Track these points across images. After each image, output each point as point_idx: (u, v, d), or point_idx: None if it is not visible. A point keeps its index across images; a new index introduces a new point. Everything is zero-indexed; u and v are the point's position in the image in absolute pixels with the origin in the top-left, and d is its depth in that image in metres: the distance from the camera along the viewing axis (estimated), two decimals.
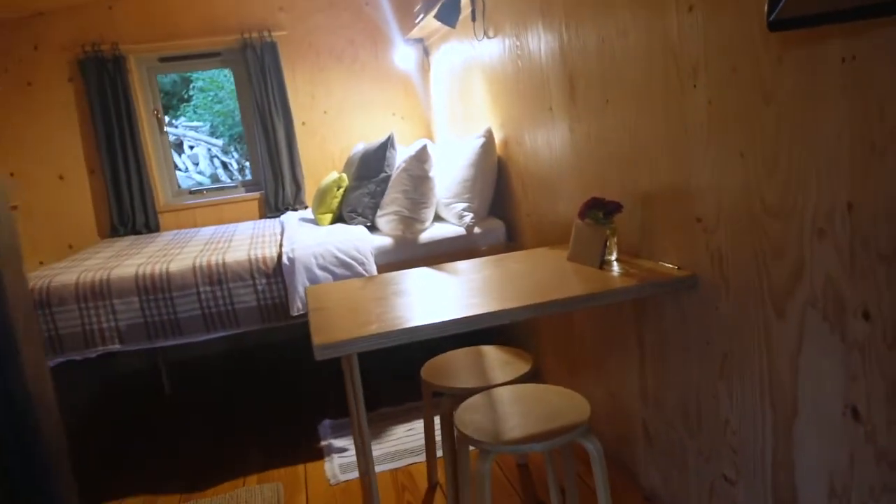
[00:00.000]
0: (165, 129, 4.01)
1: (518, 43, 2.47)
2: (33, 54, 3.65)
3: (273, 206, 4.00)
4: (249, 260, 2.60)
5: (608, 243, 1.75)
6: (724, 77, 1.34)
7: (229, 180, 8.15)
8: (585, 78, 1.97)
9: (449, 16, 2.81)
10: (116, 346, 2.46)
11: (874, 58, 0.99)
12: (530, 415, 1.62)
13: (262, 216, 4.07)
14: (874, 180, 1.03)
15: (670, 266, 1.64)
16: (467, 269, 1.92)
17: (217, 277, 2.54)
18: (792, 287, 1.24)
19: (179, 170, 8.63)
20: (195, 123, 9.13)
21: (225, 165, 8.89)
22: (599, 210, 1.76)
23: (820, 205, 1.14)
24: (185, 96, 9.21)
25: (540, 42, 2.26)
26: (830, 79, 1.08)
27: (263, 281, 2.58)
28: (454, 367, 2.01)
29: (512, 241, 2.85)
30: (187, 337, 2.52)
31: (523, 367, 1.94)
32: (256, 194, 4.08)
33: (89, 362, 2.60)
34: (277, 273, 2.60)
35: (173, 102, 9.30)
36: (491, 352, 2.09)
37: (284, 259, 2.59)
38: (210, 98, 9.12)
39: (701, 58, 1.41)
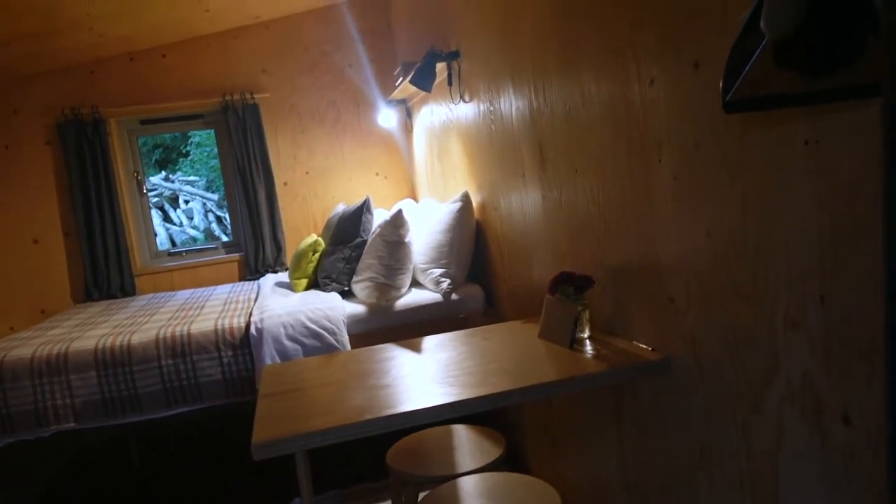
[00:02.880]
0: (145, 190, 3.96)
1: (492, 107, 2.43)
2: (12, 119, 3.64)
3: (253, 269, 3.92)
4: (216, 330, 2.49)
5: (579, 320, 1.65)
6: (688, 153, 1.27)
7: (224, 235, 8.11)
8: (554, 146, 1.91)
9: (424, 81, 2.79)
10: (71, 425, 2.33)
11: (838, 143, 0.92)
12: None
13: (242, 278, 3.98)
14: (846, 272, 0.94)
15: (644, 347, 1.54)
16: (436, 346, 1.82)
17: (181, 350, 2.43)
18: (768, 380, 1.14)
19: (174, 224, 8.60)
20: (191, 178, 9.16)
21: (219, 220, 8.86)
22: (570, 285, 1.67)
23: (792, 293, 1.05)
24: (184, 150, 9.29)
25: (511, 107, 2.22)
26: (794, 161, 1.01)
27: (230, 353, 2.47)
28: (422, 449, 1.88)
29: (491, 307, 2.75)
30: (147, 413, 2.39)
31: (494, 452, 1.81)
32: (236, 256, 4.01)
33: (57, 436, 2.45)
34: (245, 344, 2.49)
35: (172, 157, 9.37)
36: (462, 432, 1.96)
37: (252, 329, 2.48)
38: (206, 153, 9.18)
39: (664, 132, 1.34)
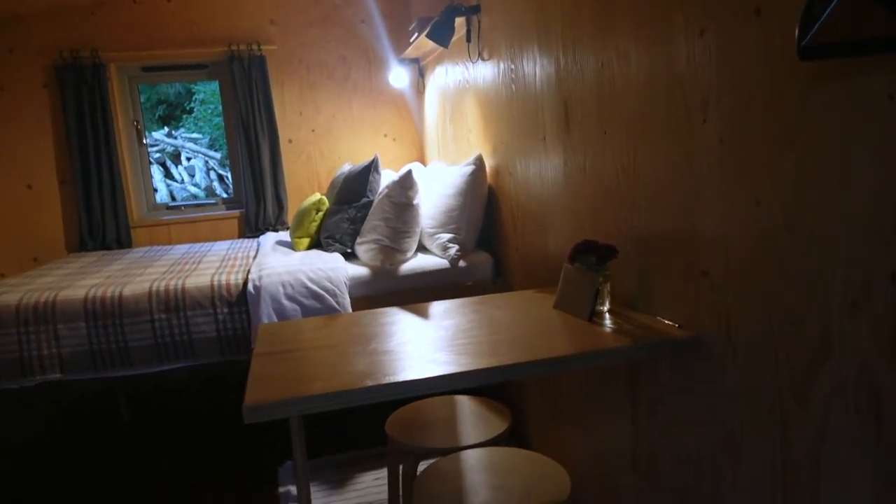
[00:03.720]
0: (145, 141, 3.83)
1: (513, 66, 2.29)
2: (7, 58, 3.48)
3: (253, 226, 3.81)
4: (212, 286, 2.39)
5: (600, 292, 1.54)
6: (740, 112, 1.15)
7: (225, 194, 7.97)
8: (581, 106, 1.78)
9: (442, 36, 2.64)
10: (57, 376, 2.24)
11: None
12: (501, 489, 1.40)
13: (241, 236, 3.87)
14: None
15: (669, 323, 1.43)
16: (444, 313, 1.71)
17: (174, 304, 2.33)
18: (815, 368, 1.03)
19: (175, 181, 8.47)
20: (194, 135, 9.01)
21: (221, 178, 8.73)
22: (592, 254, 1.56)
23: (854, 272, 0.94)
24: (188, 108, 9.13)
25: (535, 66, 2.08)
26: (872, 121, 0.88)
27: (225, 310, 2.37)
28: (423, 419, 1.79)
29: (499, 277, 2.64)
30: (137, 368, 2.30)
31: (499, 426, 1.72)
32: (236, 212, 3.89)
33: (44, 386, 2.36)
34: (241, 302, 2.39)
35: (176, 113, 9.21)
36: (466, 403, 1.87)
37: (250, 287, 2.38)
38: (210, 111, 9.01)
39: (713, 89, 1.21)
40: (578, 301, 1.57)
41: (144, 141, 3.82)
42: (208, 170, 8.79)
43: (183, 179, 8.68)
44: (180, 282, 2.41)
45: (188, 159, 8.82)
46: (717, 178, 1.23)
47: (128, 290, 2.34)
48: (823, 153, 0.97)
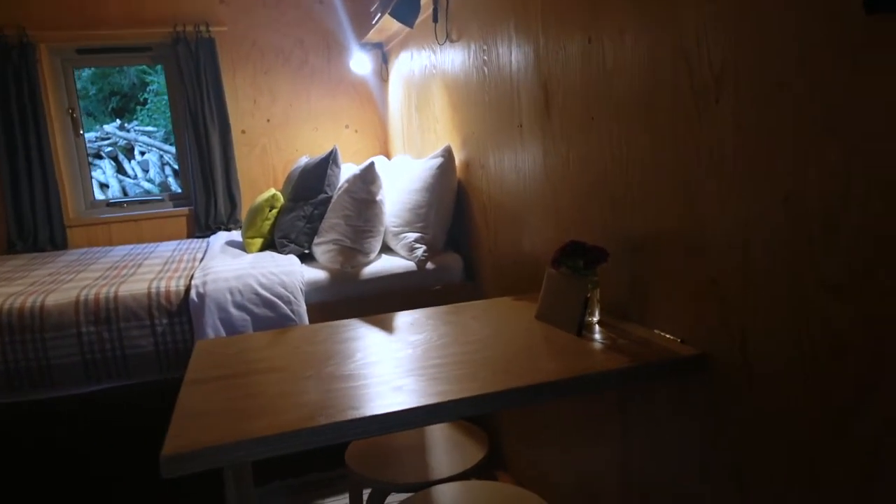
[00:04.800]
0: (82, 131, 3.50)
1: (485, 47, 2.07)
2: None
3: (203, 225, 3.52)
4: (149, 294, 2.12)
5: (589, 301, 1.35)
6: (764, 93, 0.96)
7: (181, 189, 7.56)
8: (564, 88, 1.58)
9: (406, 14, 2.41)
10: None
11: None
12: None
13: (190, 235, 3.58)
14: None
15: (670, 337, 1.25)
16: (412, 325, 1.50)
17: (104, 315, 2.06)
18: (859, 400, 0.85)
19: (128, 176, 8.04)
20: (149, 128, 8.59)
21: (177, 173, 8.32)
22: (579, 258, 1.36)
23: None
24: (142, 99, 8.71)
25: (510, 46, 1.87)
26: None
27: (164, 321, 2.11)
28: (389, 447, 1.57)
29: (471, 280, 2.44)
30: (61, 389, 2.03)
31: (475, 454, 1.52)
32: (185, 210, 3.59)
33: None
34: (183, 311, 2.13)
35: (130, 105, 8.78)
36: (437, 427, 1.66)
37: (192, 294, 2.12)
38: (165, 103, 8.58)
39: (728, 66, 1.02)
40: (565, 311, 1.37)
41: (81, 131, 3.49)
42: (163, 165, 8.37)
43: (136, 175, 8.25)
44: (113, 289, 2.13)
45: (142, 153, 8.40)
46: (732, 171, 1.04)
47: (51, 300, 2.06)
48: (881, 140, 0.78)
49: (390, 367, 1.22)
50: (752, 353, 1.04)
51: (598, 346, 1.26)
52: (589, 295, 1.34)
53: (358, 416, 1.01)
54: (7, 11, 3.19)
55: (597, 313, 1.38)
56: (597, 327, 1.36)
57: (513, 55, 1.86)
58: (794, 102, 0.90)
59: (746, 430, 1.06)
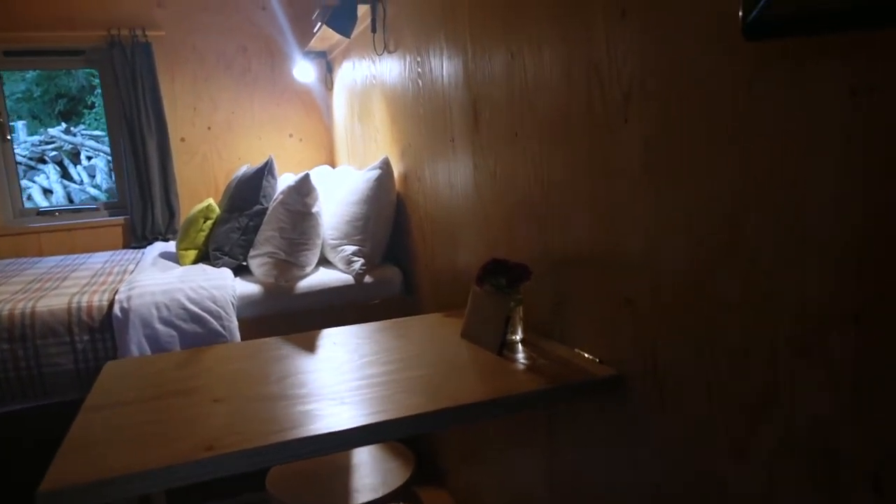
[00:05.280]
0: (9, 136, 3.34)
1: (419, 59, 2.06)
2: None
3: (140, 235, 3.39)
4: (69, 309, 2.02)
5: (511, 320, 1.33)
6: (667, 108, 0.96)
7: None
8: (491, 104, 1.57)
9: (343, 24, 2.38)
10: None
11: None
12: None
13: (126, 245, 3.45)
14: None
15: (589, 357, 1.24)
16: (338, 343, 1.45)
17: (20, 332, 1.95)
18: (757, 419, 0.85)
19: (74, 182, 7.75)
20: (96, 132, 8.29)
21: None
22: (501, 276, 1.35)
23: (807, 308, 0.76)
24: (90, 102, 8.42)
25: (442, 59, 1.86)
26: (831, 119, 0.70)
27: (85, 338, 2.01)
28: (312, 469, 1.53)
29: (410, 294, 2.41)
30: None
31: (401, 474, 1.48)
32: (121, 219, 3.46)
33: None
34: (106, 327, 2.04)
35: (78, 108, 8.49)
36: (364, 448, 1.62)
37: (116, 309, 2.03)
38: None
39: (635, 81, 1.02)
40: (487, 330, 1.35)
41: (9, 137, 3.33)
42: (111, 170, 8.08)
43: (83, 180, 7.96)
44: (30, 304, 2.03)
45: (89, 158, 8.11)
46: (641, 190, 1.04)
47: None
48: (771, 161, 0.79)
49: (305, 388, 1.18)
50: (662, 372, 1.03)
51: (518, 366, 1.25)
52: (511, 314, 1.33)
53: (260, 444, 0.97)
54: None
55: (519, 331, 1.37)
56: (519, 346, 1.35)
57: (444, 68, 1.85)
58: (694, 120, 0.90)
59: (662, 450, 1.05)
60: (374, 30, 2.44)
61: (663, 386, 1.03)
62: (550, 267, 1.36)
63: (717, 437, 0.92)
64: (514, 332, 1.36)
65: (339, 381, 1.21)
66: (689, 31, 0.90)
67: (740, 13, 0.68)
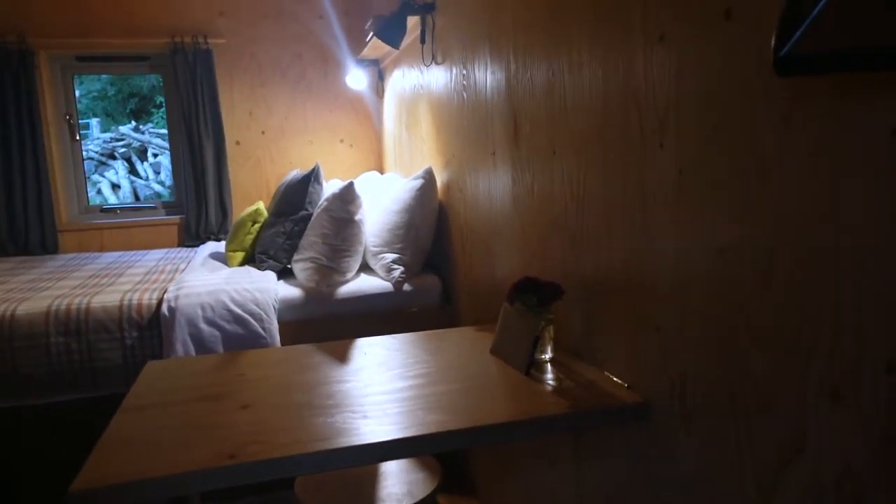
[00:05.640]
0: (78, 136, 3.53)
1: (464, 72, 2.06)
2: None
3: (194, 234, 3.53)
4: (121, 306, 2.12)
5: (541, 340, 1.32)
6: (703, 137, 0.93)
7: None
8: (531, 120, 1.56)
9: (392, 35, 2.41)
10: None
11: None
12: None
13: (181, 244, 3.59)
14: None
15: (618, 381, 1.21)
16: (369, 355, 1.47)
17: (75, 326, 2.06)
18: (785, 464, 0.81)
19: (140, 177, 8.12)
20: (163, 131, 8.68)
21: None
22: (532, 294, 1.33)
23: (838, 351, 0.72)
24: (159, 102, 8.81)
25: (486, 72, 1.86)
26: (871, 157, 0.67)
27: (134, 334, 2.10)
28: (338, 477, 1.55)
29: (448, 303, 2.41)
30: (28, 398, 2.02)
31: (427, 485, 1.49)
32: (176, 218, 3.60)
33: None
34: (154, 325, 2.13)
35: (148, 108, 8.89)
36: None
37: (164, 308, 2.11)
38: None
39: (671, 108, 1.00)
40: (516, 349, 1.34)
41: (78, 136, 3.52)
42: None
43: (148, 177, 8.34)
44: (85, 300, 2.13)
45: (155, 156, 8.49)
46: (674, 216, 1.01)
47: (22, 310, 2.06)
48: (807, 196, 0.75)
49: (331, 399, 1.20)
50: (691, 403, 1.00)
51: (545, 386, 1.23)
52: (541, 333, 1.31)
53: (279, 456, 0.99)
54: (8, 19, 3.23)
55: (549, 351, 1.35)
56: (548, 366, 1.33)
57: (488, 81, 1.85)
58: (728, 150, 0.88)
59: (685, 483, 1.02)
60: (423, 41, 2.46)
61: (691, 418, 1.00)
62: (582, 287, 1.34)
63: (744, 475, 0.89)
64: (544, 352, 1.34)
65: (365, 394, 1.22)
66: (728, 61, 0.87)
67: (773, 45, 0.65)
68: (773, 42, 0.64)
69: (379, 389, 1.24)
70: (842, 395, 0.73)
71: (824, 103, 0.71)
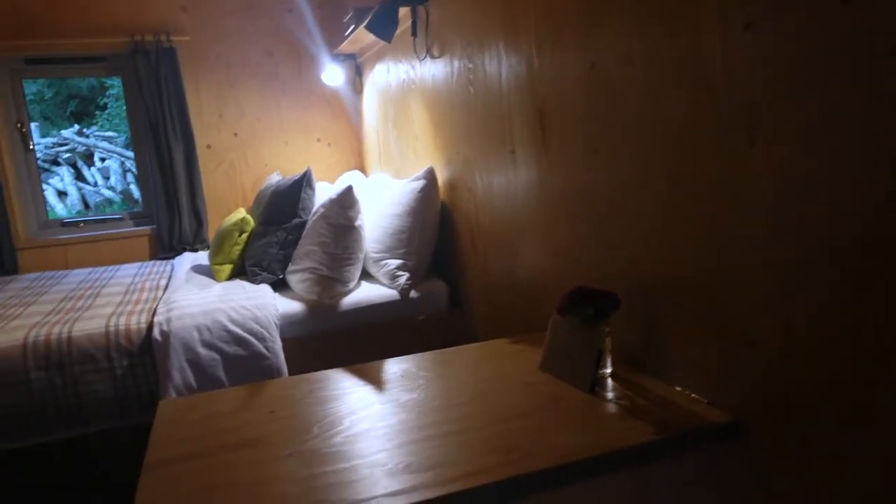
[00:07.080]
0: (32, 146, 3.25)
1: (471, 66, 1.94)
2: None
3: (167, 245, 3.31)
4: (107, 333, 1.93)
5: (602, 355, 1.22)
6: (809, 131, 0.84)
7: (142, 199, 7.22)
8: (562, 116, 1.45)
9: (384, 28, 2.26)
10: None
11: None
12: None
13: (154, 257, 3.36)
14: None
15: (694, 397, 1.13)
16: (402, 378, 1.35)
17: (56, 359, 1.86)
18: None
19: (88, 183, 7.69)
20: (109, 133, 8.24)
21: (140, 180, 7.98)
22: (589, 307, 1.24)
23: None
24: (102, 103, 8.36)
25: (500, 66, 1.74)
26: None
27: (125, 363, 1.92)
28: None
29: (457, 308, 2.30)
30: (7, 441, 1.82)
31: None
32: (147, 229, 3.37)
33: None
34: (146, 351, 1.95)
35: (90, 109, 8.43)
36: None
37: (156, 332, 1.94)
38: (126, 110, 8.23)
39: (765, 101, 0.91)
40: (574, 365, 1.24)
41: (31, 146, 3.25)
42: (125, 171, 8.04)
43: (97, 182, 7.91)
44: (66, 329, 1.94)
45: (102, 160, 8.05)
46: (771, 222, 0.92)
47: None
48: None
49: (381, 440, 1.08)
50: (797, 422, 0.92)
51: (613, 408, 1.14)
52: (603, 351, 1.22)
53: None
54: None
55: (609, 364, 1.26)
56: (609, 382, 1.24)
57: (503, 76, 1.73)
58: (841, 139, 0.79)
59: None
60: (414, 34, 2.33)
61: (799, 438, 0.92)
62: (640, 292, 1.25)
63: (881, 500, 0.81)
64: (605, 366, 1.25)
65: (413, 429, 1.10)
66: (842, 51, 0.78)
67: None
68: None
69: (430, 420, 1.12)
70: None
71: None
